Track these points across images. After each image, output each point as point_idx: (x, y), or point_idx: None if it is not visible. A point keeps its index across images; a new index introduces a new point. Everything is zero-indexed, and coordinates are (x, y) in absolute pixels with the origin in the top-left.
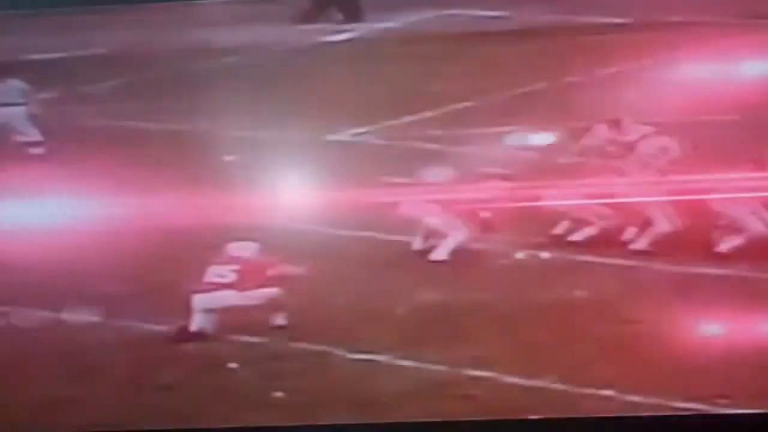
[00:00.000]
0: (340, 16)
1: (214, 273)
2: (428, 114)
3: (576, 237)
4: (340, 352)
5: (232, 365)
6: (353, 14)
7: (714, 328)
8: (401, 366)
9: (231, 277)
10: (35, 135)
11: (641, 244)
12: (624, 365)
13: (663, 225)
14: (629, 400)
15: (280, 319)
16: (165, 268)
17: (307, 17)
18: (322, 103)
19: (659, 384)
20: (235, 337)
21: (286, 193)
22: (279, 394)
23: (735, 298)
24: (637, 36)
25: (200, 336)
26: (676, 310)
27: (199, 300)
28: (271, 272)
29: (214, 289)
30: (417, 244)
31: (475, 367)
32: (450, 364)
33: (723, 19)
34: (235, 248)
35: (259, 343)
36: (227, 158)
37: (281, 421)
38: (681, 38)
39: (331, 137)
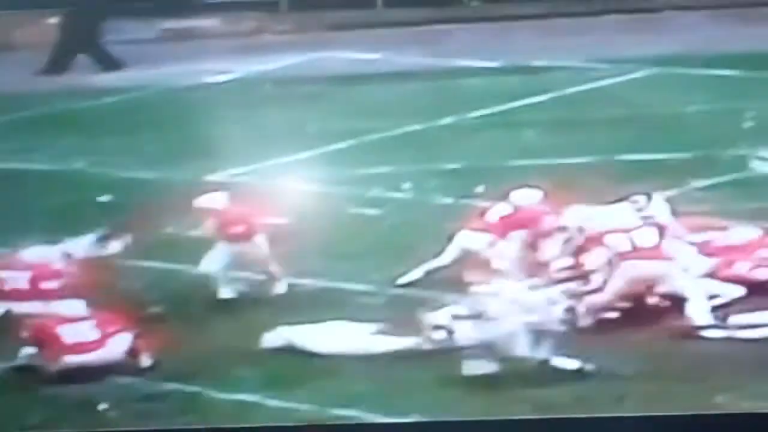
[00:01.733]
0: (98, 67)
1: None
2: (305, 154)
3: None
4: (210, 392)
5: (103, 406)
6: (111, 64)
7: None
8: (270, 406)
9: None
10: None
11: None
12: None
13: None
14: None
15: (144, 360)
16: None
17: (53, 67)
18: (201, 143)
19: None
20: (105, 378)
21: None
22: None
23: None
24: (507, 79)
25: None
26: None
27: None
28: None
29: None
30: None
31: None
32: (316, 403)
33: None
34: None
35: (129, 383)
36: (102, 198)
37: None
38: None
39: (210, 177)
